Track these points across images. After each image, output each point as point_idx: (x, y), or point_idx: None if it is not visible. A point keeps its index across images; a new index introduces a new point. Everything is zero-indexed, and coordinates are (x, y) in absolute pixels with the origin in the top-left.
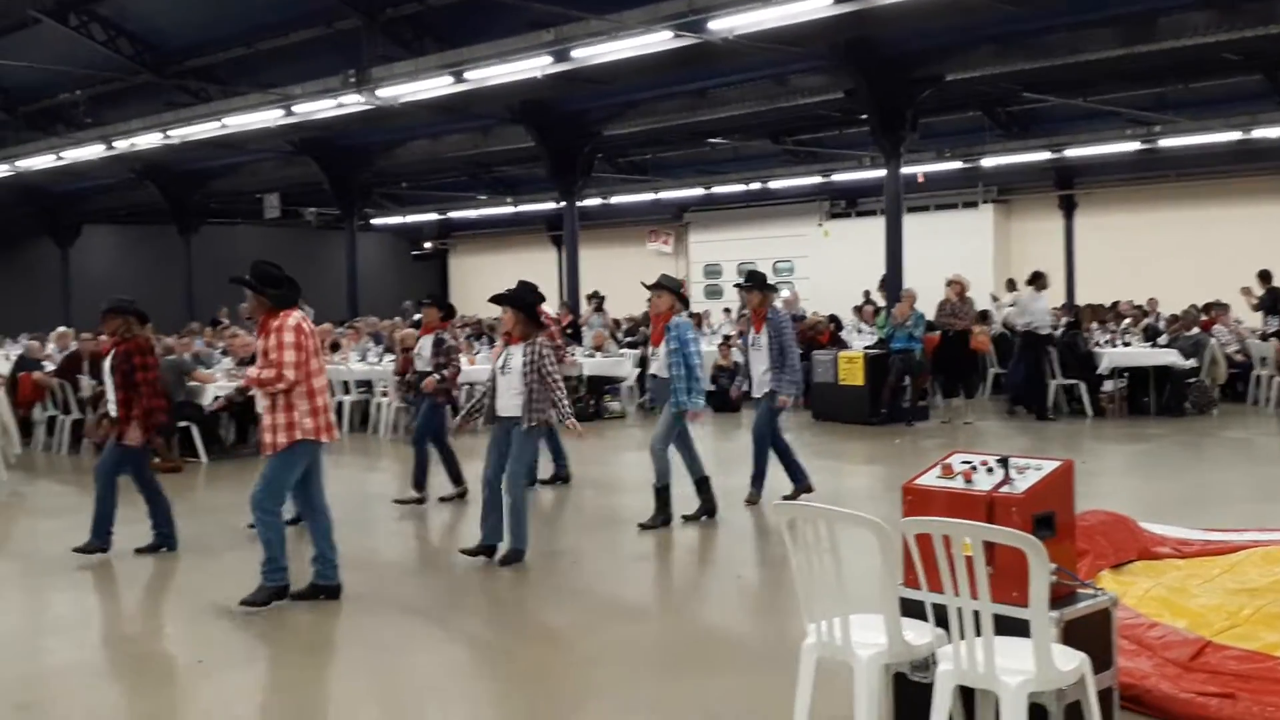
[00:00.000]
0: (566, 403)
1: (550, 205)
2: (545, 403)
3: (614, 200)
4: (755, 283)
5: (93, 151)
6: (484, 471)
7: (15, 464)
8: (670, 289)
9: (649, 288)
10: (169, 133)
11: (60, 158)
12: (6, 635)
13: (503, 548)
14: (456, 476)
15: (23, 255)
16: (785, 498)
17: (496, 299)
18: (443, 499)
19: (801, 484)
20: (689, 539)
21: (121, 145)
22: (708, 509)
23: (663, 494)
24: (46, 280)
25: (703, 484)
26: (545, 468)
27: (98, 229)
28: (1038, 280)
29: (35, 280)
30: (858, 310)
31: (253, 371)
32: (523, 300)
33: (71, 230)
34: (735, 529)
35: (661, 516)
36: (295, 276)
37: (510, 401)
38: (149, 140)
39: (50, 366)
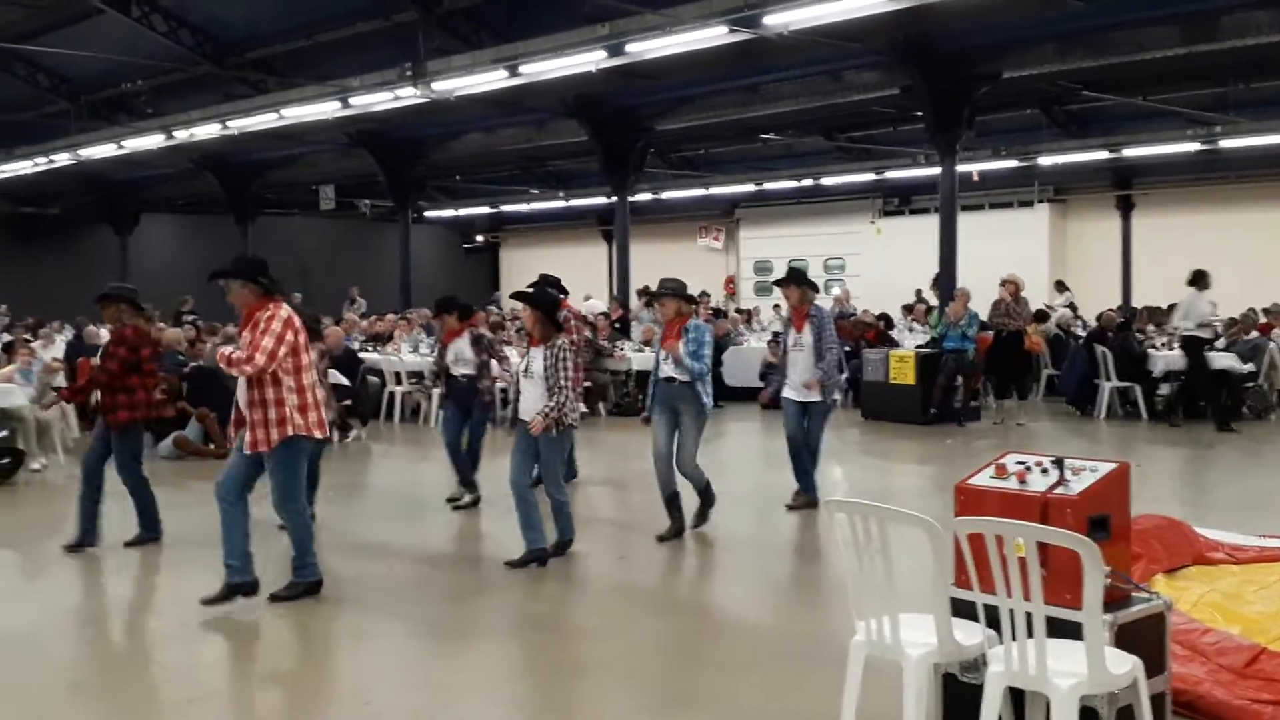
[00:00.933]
0: (553, 404)
1: (601, 200)
2: (570, 405)
3: (665, 195)
4: (794, 278)
5: (153, 141)
6: (510, 474)
7: (73, 448)
8: (675, 293)
9: (653, 295)
10: (228, 123)
11: (121, 147)
12: (61, 616)
13: (551, 539)
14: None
15: (82, 242)
16: (789, 506)
17: (518, 295)
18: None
19: (810, 495)
20: (738, 536)
21: (181, 135)
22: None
23: (704, 495)
24: (105, 267)
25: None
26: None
27: (156, 218)
28: (1200, 280)
29: (94, 267)
30: (908, 309)
31: (226, 349)
32: (542, 301)
33: (130, 218)
34: (781, 527)
35: (701, 516)
36: (350, 267)
37: (534, 405)
38: (208, 131)
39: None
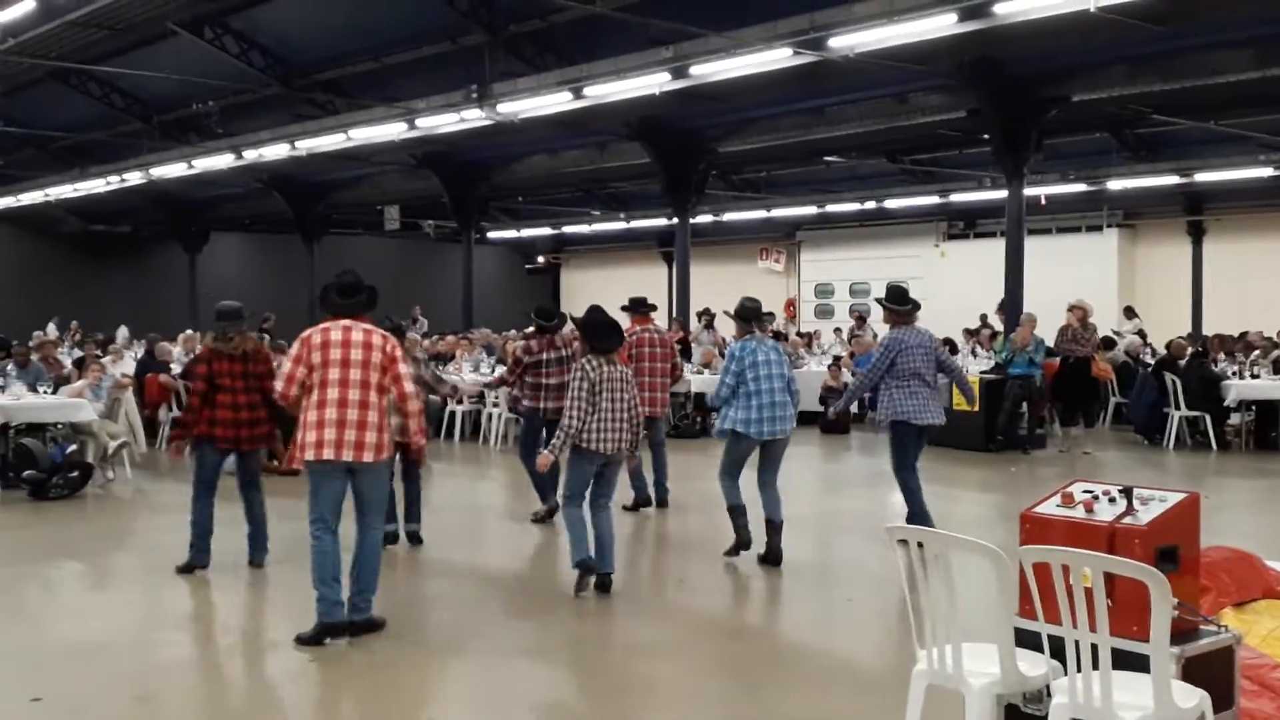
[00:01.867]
0: (559, 433)
1: (662, 221)
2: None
3: (726, 217)
4: (884, 299)
5: (223, 161)
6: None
7: (140, 463)
8: (737, 315)
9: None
10: (296, 144)
11: (192, 166)
12: (126, 628)
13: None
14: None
15: (153, 260)
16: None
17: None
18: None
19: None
20: (799, 561)
21: (250, 155)
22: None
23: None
24: (175, 284)
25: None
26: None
27: (225, 236)
28: None
29: (164, 284)
30: (970, 334)
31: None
32: (579, 321)
33: (200, 237)
34: (851, 552)
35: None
36: (413, 287)
37: None
38: (276, 151)
39: (176, 369)
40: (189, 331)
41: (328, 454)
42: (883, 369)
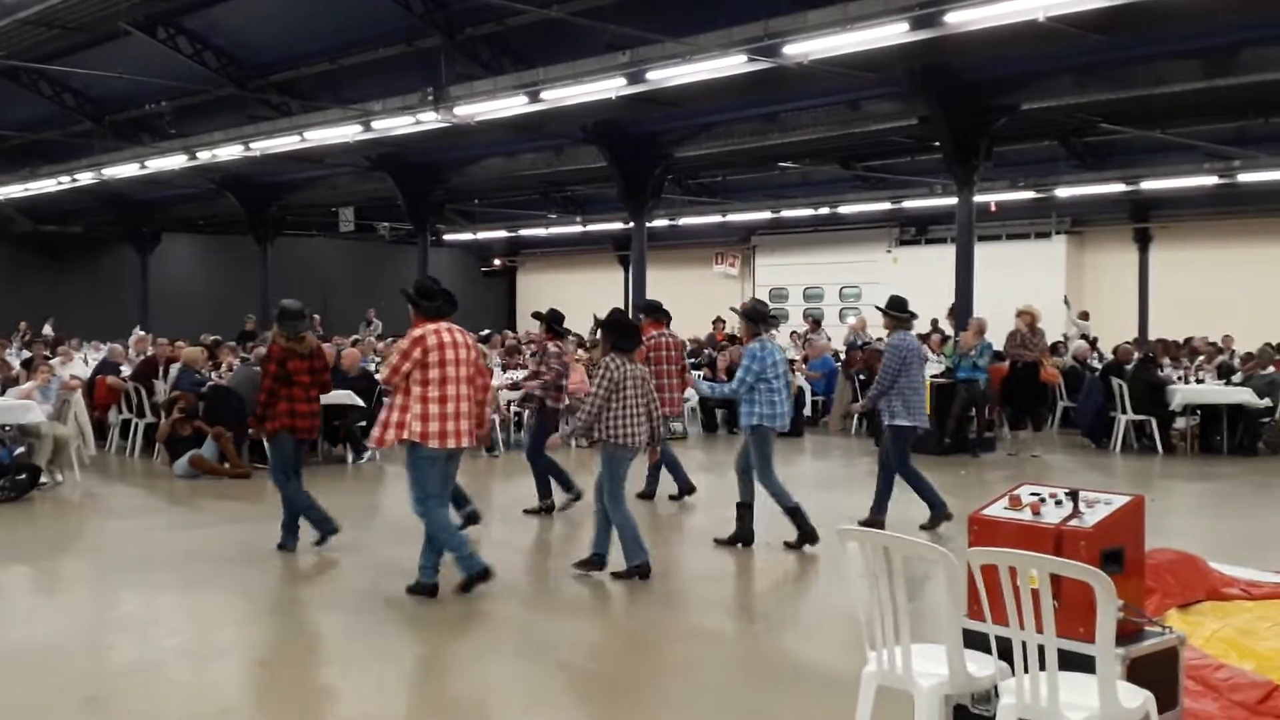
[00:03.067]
0: (575, 422)
1: (619, 225)
2: (606, 420)
3: (682, 222)
4: (886, 307)
5: (175, 161)
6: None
7: (89, 465)
8: (748, 318)
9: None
10: (250, 145)
11: (144, 167)
12: (75, 632)
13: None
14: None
15: (103, 260)
16: (923, 526)
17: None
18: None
19: (939, 512)
20: (755, 563)
21: (204, 156)
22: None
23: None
24: (126, 285)
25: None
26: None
27: (177, 237)
28: None
29: (115, 286)
30: (922, 338)
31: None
32: (603, 322)
33: (152, 238)
34: (794, 556)
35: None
36: (368, 290)
37: None
38: (230, 152)
39: (127, 370)
40: (140, 333)
41: (450, 443)
42: (896, 371)
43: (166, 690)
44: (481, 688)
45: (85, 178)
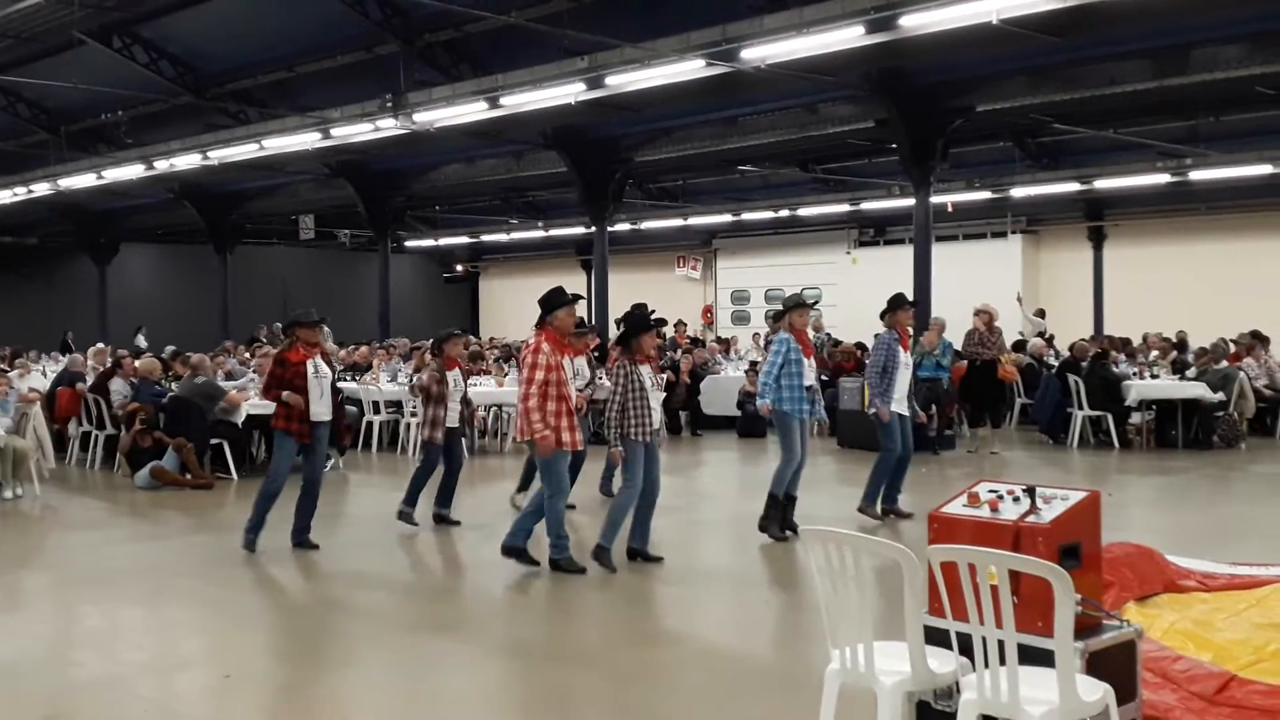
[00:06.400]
0: (613, 424)
1: (580, 230)
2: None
3: (644, 226)
4: (886, 311)
5: (133, 171)
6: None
7: (49, 478)
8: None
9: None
10: (208, 154)
11: (101, 177)
12: (37, 647)
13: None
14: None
15: (61, 272)
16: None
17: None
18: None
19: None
20: (716, 564)
21: (161, 165)
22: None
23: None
24: (83, 297)
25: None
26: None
27: (135, 247)
28: None
29: (73, 296)
30: None
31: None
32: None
33: (109, 248)
34: (758, 556)
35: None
36: (329, 297)
37: None
38: (188, 161)
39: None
40: (99, 345)
41: (580, 446)
42: (881, 366)
43: (131, 705)
44: (451, 694)
45: (41, 189)
